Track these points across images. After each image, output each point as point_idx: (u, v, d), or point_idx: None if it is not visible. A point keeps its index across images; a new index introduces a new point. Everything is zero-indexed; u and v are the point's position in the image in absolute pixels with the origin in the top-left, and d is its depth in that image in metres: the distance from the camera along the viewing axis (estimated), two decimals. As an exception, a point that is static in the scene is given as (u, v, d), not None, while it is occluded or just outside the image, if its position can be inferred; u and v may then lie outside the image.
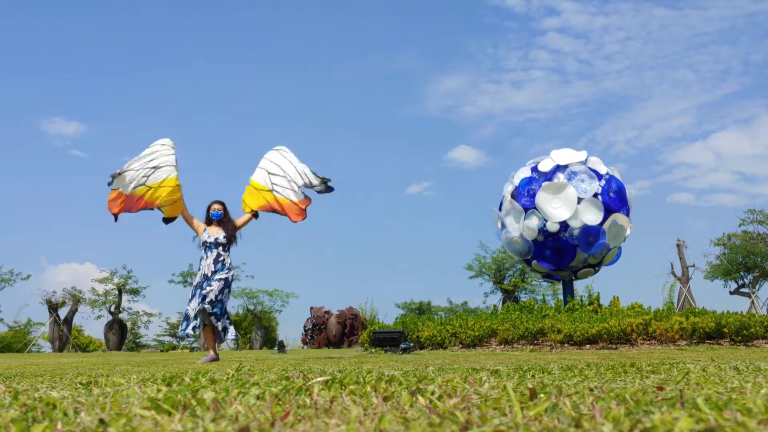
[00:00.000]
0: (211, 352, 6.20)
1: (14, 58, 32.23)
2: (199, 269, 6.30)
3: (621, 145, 33.48)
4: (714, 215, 31.82)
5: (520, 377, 2.26)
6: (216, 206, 6.49)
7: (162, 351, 23.91)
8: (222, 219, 6.44)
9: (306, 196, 6.69)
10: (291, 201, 6.61)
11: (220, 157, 34.99)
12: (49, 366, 5.35)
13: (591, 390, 1.66)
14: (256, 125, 35.69)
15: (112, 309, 24.11)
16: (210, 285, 6.14)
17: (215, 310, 6.10)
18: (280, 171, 6.70)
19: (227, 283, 6.25)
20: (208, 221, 6.47)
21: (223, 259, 6.30)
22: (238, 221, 6.57)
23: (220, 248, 6.31)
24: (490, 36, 35.47)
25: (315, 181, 6.67)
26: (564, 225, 10.35)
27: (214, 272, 6.21)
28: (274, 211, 6.68)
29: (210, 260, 6.26)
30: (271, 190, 6.64)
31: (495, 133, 35.32)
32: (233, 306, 26.89)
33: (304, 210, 6.65)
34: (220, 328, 6.17)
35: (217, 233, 6.35)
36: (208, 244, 6.30)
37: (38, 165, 33.30)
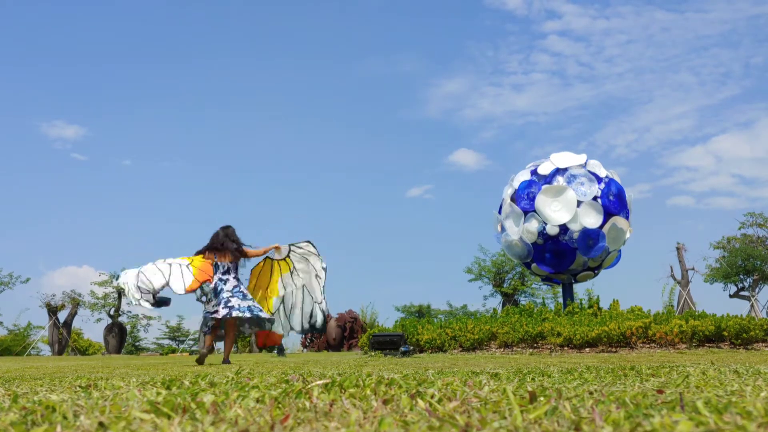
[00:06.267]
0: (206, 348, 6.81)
1: (14, 60, 32.25)
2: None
3: (621, 149, 33.46)
4: (714, 218, 31.79)
5: (519, 380, 2.26)
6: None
7: (161, 354, 23.87)
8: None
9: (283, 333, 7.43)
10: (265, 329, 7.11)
11: (220, 157, 34.98)
12: (48, 369, 5.35)
13: (591, 393, 1.65)
14: (255, 126, 35.70)
15: (112, 312, 24.08)
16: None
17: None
18: (291, 301, 7.29)
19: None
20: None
21: None
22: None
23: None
24: (491, 39, 35.47)
25: (307, 324, 7.30)
26: (564, 228, 10.35)
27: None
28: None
29: None
30: (272, 314, 7.15)
31: (495, 136, 35.31)
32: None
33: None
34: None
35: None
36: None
37: (38, 168, 33.27)
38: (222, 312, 6.36)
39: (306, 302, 7.22)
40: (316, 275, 7.21)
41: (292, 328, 7.21)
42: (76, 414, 1.25)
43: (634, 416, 1.12)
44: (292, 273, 7.22)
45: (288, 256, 7.22)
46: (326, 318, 7.31)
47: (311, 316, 7.21)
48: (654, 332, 8.40)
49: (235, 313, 6.35)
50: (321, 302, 7.20)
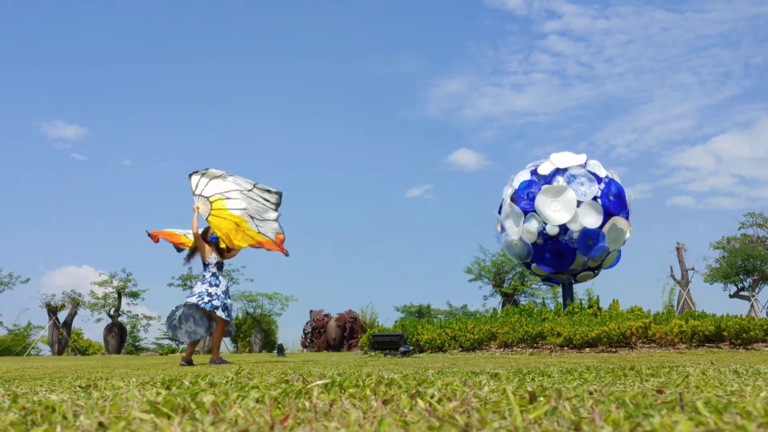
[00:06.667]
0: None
1: (14, 60, 32.25)
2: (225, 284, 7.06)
3: (621, 149, 33.47)
4: (714, 218, 31.79)
5: (519, 380, 2.26)
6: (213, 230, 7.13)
7: (161, 354, 23.87)
8: (217, 242, 7.18)
9: (280, 230, 7.48)
10: (271, 239, 7.39)
11: (220, 157, 34.96)
12: (48, 369, 5.35)
13: (590, 393, 1.65)
14: (255, 126, 35.70)
15: (112, 312, 24.07)
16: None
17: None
18: (251, 208, 7.35)
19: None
20: (208, 243, 7.11)
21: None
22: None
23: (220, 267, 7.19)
24: (491, 39, 35.49)
25: (273, 204, 7.44)
26: (563, 228, 10.35)
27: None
28: (259, 246, 7.40)
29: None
30: (258, 233, 7.33)
31: (495, 136, 35.32)
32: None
33: (282, 244, 7.46)
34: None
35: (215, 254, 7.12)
36: (220, 264, 7.11)
37: (38, 168, 33.25)
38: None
39: (253, 200, 7.34)
40: (224, 178, 7.29)
41: (276, 220, 7.40)
42: (75, 414, 1.25)
43: (634, 416, 1.12)
44: (225, 200, 7.25)
45: (209, 201, 7.20)
46: (272, 190, 7.41)
47: (264, 201, 7.38)
48: (654, 332, 8.40)
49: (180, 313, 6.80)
50: (254, 186, 7.35)
